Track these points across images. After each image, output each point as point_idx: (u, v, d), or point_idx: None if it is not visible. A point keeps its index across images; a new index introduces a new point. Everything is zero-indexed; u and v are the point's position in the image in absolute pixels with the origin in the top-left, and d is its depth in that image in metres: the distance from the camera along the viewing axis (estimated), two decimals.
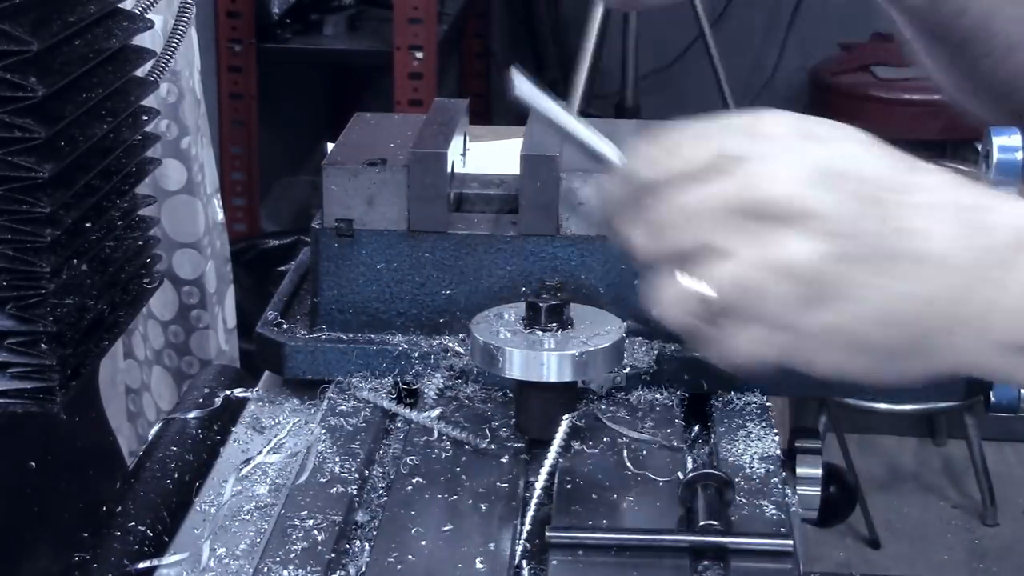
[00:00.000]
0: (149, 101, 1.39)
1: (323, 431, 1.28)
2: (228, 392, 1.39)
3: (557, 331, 1.26)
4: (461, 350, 1.35)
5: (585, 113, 3.85)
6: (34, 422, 1.24)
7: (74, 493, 1.29)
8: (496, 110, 4.57)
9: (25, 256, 1.16)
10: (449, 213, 1.36)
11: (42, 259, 1.17)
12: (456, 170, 1.41)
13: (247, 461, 1.24)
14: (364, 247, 1.36)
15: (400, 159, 1.36)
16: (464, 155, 1.47)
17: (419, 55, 3.67)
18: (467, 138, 1.49)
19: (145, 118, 1.37)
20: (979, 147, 1.41)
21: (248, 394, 1.38)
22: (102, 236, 1.28)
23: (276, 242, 3.59)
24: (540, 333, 1.26)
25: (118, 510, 1.25)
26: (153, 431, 1.39)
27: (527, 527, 1.17)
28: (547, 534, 1.14)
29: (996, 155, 1.36)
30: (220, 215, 2.71)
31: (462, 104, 1.48)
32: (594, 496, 1.21)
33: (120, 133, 1.31)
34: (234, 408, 1.38)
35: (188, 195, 2.56)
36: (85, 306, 1.23)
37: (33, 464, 1.25)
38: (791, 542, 1.14)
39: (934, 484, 4.05)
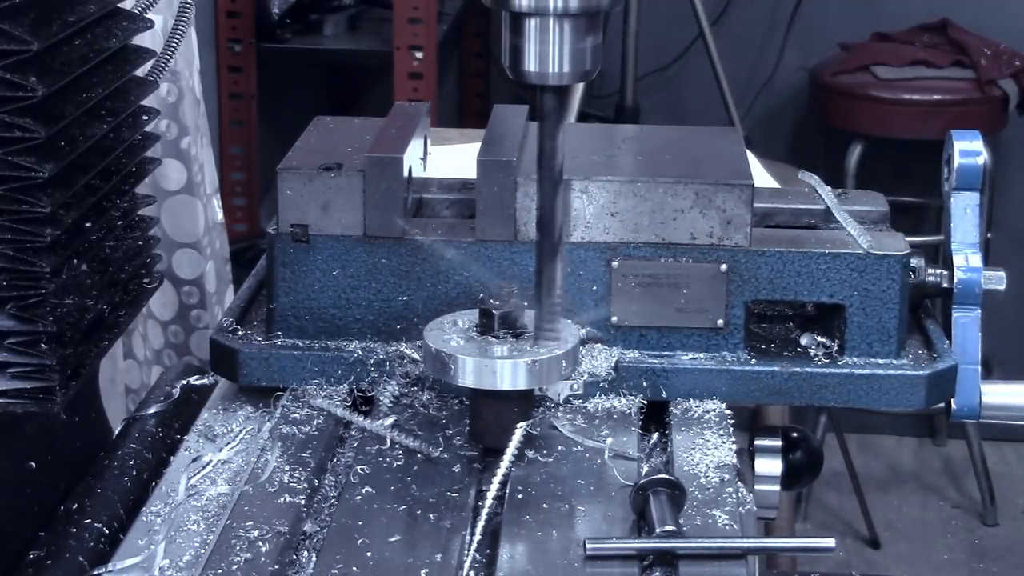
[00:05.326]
0: (149, 101, 1.39)
1: (275, 440, 1.27)
2: (185, 381, 1.39)
3: (511, 338, 1.24)
4: (417, 357, 1.34)
5: (585, 114, 3.84)
6: (34, 422, 1.24)
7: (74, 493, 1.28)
8: None
9: (25, 256, 1.16)
10: (406, 218, 1.35)
11: (42, 259, 1.17)
12: (416, 174, 1.39)
13: (196, 471, 1.23)
14: (320, 253, 1.35)
15: (356, 164, 1.34)
16: (424, 159, 1.45)
17: (419, 55, 3.65)
18: (428, 142, 1.47)
19: (145, 118, 1.36)
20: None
21: (205, 380, 1.37)
22: (102, 236, 1.28)
23: None
24: (493, 340, 1.24)
25: (74, 507, 1.25)
26: (117, 429, 1.38)
27: (477, 537, 1.16)
28: (587, 546, 1.13)
29: (957, 160, 1.35)
30: (220, 215, 2.70)
31: (422, 107, 1.46)
32: (545, 505, 1.19)
33: (120, 133, 1.31)
34: (195, 403, 1.38)
35: (188, 195, 2.55)
36: (85, 306, 1.23)
37: (33, 464, 1.25)
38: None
39: (934, 484, 4.03)
